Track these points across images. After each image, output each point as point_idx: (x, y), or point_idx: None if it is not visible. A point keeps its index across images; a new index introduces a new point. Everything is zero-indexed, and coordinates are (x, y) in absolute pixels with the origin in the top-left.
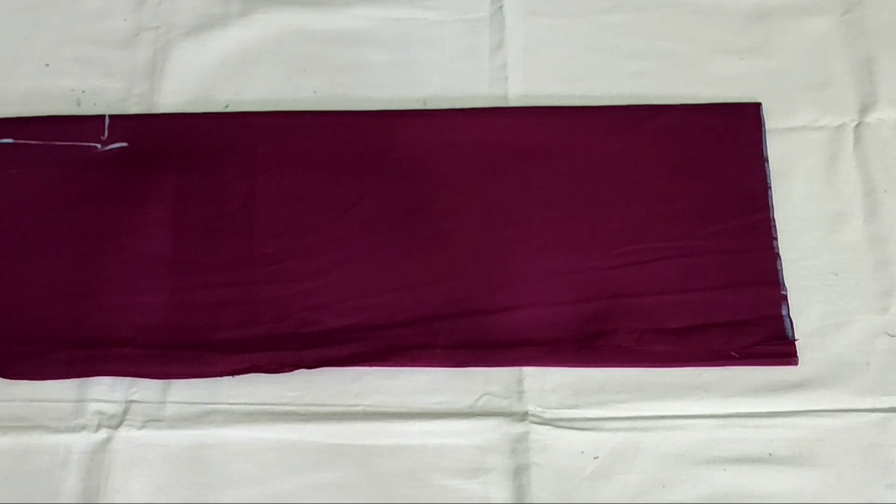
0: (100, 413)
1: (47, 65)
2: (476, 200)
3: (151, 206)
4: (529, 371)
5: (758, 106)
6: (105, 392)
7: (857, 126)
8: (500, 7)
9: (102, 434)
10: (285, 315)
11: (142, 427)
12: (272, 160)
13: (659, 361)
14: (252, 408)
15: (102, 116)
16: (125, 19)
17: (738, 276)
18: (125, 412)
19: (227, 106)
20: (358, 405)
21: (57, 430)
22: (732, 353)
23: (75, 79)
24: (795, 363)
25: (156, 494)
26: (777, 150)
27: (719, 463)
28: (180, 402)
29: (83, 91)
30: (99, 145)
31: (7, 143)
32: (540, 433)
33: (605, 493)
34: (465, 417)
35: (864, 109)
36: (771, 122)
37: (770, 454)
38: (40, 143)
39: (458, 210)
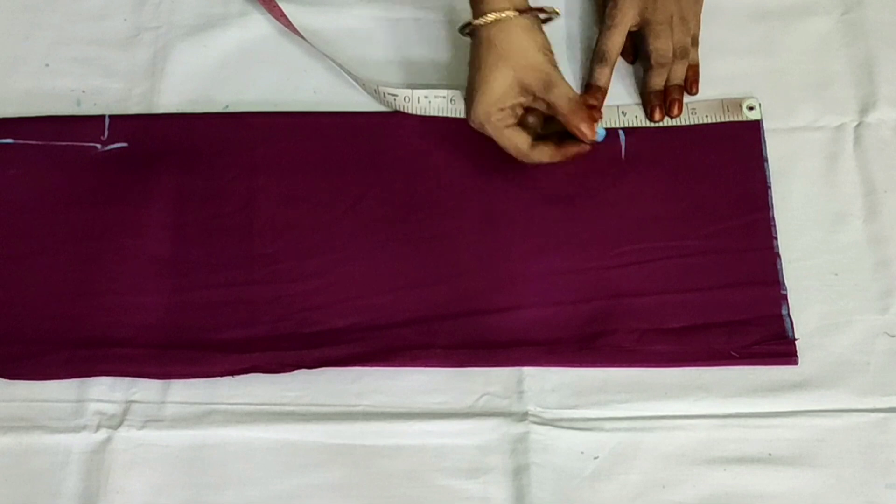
0: (100, 413)
1: (47, 65)
2: (476, 200)
3: (151, 207)
4: (529, 371)
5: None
6: (105, 392)
7: (857, 126)
8: None
9: (102, 434)
10: (285, 315)
11: (142, 427)
12: (272, 160)
13: (659, 361)
14: (252, 408)
15: (102, 116)
16: (125, 19)
17: (738, 276)
18: (125, 412)
19: (227, 106)
20: (358, 405)
21: (57, 430)
22: (732, 353)
23: (75, 79)
24: (796, 363)
25: (156, 494)
26: (777, 150)
27: (719, 463)
28: (180, 402)
29: (83, 91)
30: (99, 145)
31: (7, 143)
32: (540, 433)
33: (605, 493)
34: (465, 417)
35: (864, 109)
36: (771, 122)
37: (770, 454)
38: (40, 143)
39: (458, 210)
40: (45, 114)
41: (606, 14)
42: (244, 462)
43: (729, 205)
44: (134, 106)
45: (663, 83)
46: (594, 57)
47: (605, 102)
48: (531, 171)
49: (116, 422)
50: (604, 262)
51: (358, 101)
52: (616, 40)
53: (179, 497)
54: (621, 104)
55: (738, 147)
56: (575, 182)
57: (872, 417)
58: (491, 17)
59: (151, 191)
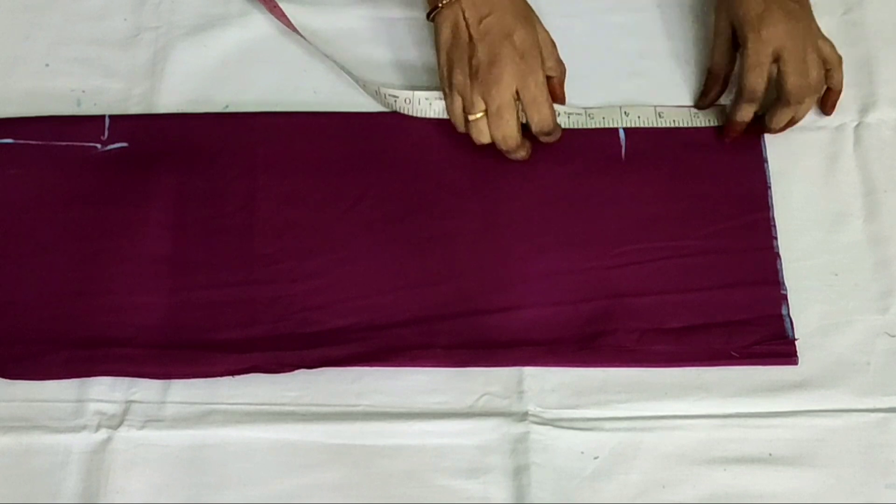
0: (100, 413)
1: (47, 65)
2: (476, 200)
3: (151, 207)
4: (529, 371)
5: None
6: (105, 392)
7: (857, 126)
8: None
9: (102, 434)
10: (285, 315)
11: (142, 427)
12: (272, 160)
13: (659, 361)
14: (252, 408)
15: (102, 116)
16: (125, 19)
17: (738, 276)
18: (125, 412)
19: (227, 106)
20: (358, 405)
21: (57, 430)
22: (732, 353)
23: (75, 79)
24: (796, 363)
25: (156, 494)
26: (777, 150)
27: (719, 463)
28: (180, 402)
29: (83, 91)
30: (99, 145)
31: (7, 143)
32: (540, 433)
33: (605, 493)
34: (465, 417)
35: (864, 109)
36: None
37: (770, 454)
38: (40, 143)
39: (458, 210)
40: (45, 114)
41: (749, 50)
42: (244, 462)
43: (729, 205)
44: (134, 106)
45: (783, 124)
46: (740, 94)
47: (608, 102)
48: (531, 171)
49: (116, 422)
50: (604, 262)
51: (358, 102)
52: (763, 77)
53: (179, 497)
54: (624, 104)
55: (738, 147)
56: (575, 182)
57: (872, 417)
58: None
59: (151, 191)
